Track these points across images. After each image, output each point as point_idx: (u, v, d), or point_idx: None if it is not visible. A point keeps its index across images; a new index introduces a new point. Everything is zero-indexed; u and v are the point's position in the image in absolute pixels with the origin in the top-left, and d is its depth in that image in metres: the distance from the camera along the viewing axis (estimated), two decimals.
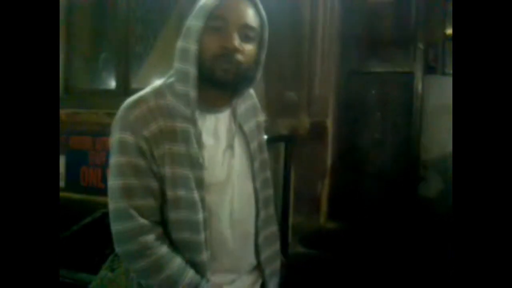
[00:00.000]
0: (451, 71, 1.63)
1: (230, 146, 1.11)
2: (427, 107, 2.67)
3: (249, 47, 1.03)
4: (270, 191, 1.23)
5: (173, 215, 1.03)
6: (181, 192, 1.02)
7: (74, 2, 3.28)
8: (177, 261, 1.02)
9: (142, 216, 1.00)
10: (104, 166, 2.94)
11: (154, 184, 1.02)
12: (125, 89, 3.07)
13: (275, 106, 2.32)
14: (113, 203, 1.01)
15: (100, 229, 2.72)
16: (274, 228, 1.23)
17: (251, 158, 1.16)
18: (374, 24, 2.88)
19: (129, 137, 0.99)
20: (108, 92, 3.20)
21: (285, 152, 2.28)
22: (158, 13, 3.23)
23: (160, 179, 1.02)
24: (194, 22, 1.01)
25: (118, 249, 1.02)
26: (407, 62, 2.73)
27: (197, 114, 1.05)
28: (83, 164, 3.01)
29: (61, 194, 2.99)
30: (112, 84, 3.17)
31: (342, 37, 2.77)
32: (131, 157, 0.99)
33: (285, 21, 2.30)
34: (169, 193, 1.02)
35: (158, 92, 1.04)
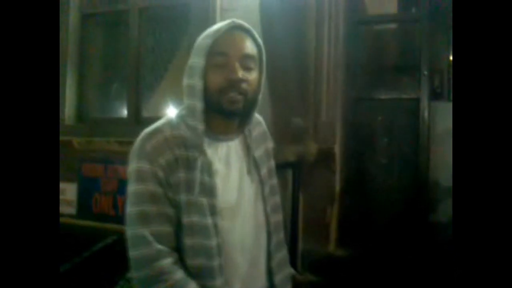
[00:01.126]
0: None
1: (241, 173, 1.17)
2: (433, 133, 2.68)
3: (252, 75, 1.11)
4: (280, 216, 1.27)
5: (188, 241, 1.06)
6: (195, 219, 1.06)
7: (88, 33, 3.38)
8: (192, 286, 1.04)
9: (159, 242, 1.04)
10: (116, 193, 2.98)
11: (170, 210, 1.06)
12: (136, 118, 3.13)
13: (282, 133, 2.35)
14: (131, 230, 1.05)
15: (111, 256, 2.75)
16: (285, 252, 1.27)
17: (261, 184, 1.20)
18: (379, 52, 2.93)
19: (146, 166, 1.05)
20: (120, 120, 3.26)
21: (292, 178, 2.29)
22: (168, 43, 3.33)
23: (176, 205, 1.06)
24: (196, 60, 1.08)
25: (134, 274, 1.05)
26: (412, 88, 2.76)
27: (208, 143, 1.11)
28: (95, 191, 3.04)
29: (73, 221, 3.03)
30: (124, 112, 3.24)
31: (348, 64, 2.82)
32: (148, 185, 1.04)
33: (290, 49, 2.36)
34: (184, 220, 1.06)
35: (173, 123, 1.11)
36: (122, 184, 2.96)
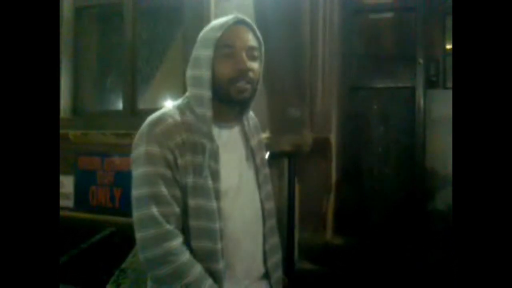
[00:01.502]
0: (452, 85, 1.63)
1: (241, 159, 1.23)
2: (429, 121, 2.68)
3: (256, 65, 1.18)
4: (272, 203, 1.33)
5: (193, 223, 1.10)
6: (201, 201, 1.10)
7: (82, 26, 3.37)
8: (198, 269, 1.08)
9: (168, 222, 1.07)
10: (112, 185, 2.98)
11: (177, 192, 1.10)
12: (132, 110, 3.13)
13: (277, 123, 2.36)
14: (140, 211, 1.08)
15: (108, 248, 2.76)
16: (277, 239, 1.32)
17: (257, 171, 1.27)
18: (375, 40, 2.92)
19: (156, 149, 1.08)
20: (116, 113, 3.26)
21: (288, 168, 2.30)
22: (163, 35, 3.32)
23: (182, 188, 1.10)
24: (203, 52, 1.14)
25: (142, 255, 1.08)
26: (408, 77, 2.76)
27: (214, 130, 1.16)
28: (92, 184, 3.05)
29: (70, 213, 3.04)
30: (120, 105, 3.23)
31: (343, 53, 2.81)
32: (158, 167, 1.07)
33: (285, 39, 2.35)
34: (190, 202, 1.10)
35: (179, 109, 1.16)
36: (118, 176, 2.96)
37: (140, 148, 1.10)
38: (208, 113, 1.13)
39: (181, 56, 2.91)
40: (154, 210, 1.06)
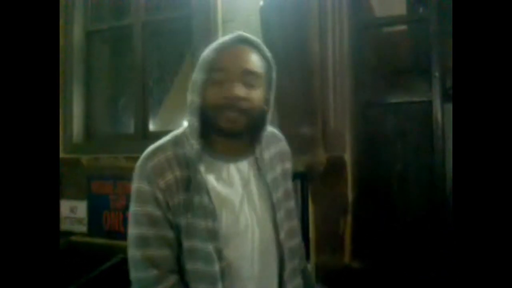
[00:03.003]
0: None
1: (249, 197, 1.11)
2: (448, 135, 2.58)
3: (255, 93, 1.05)
4: (297, 240, 1.22)
5: (189, 265, 1.03)
6: (196, 243, 1.03)
7: (92, 50, 3.39)
8: None
9: (157, 266, 1.01)
10: (125, 210, 2.95)
11: (169, 233, 1.03)
12: (143, 133, 3.12)
13: (289, 143, 2.29)
14: (130, 252, 1.05)
15: (119, 275, 2.71)
16: (299, 280, 1.22)
17: (273, 208, 1.13)
18: (387, 54, 2.85)
19: (145, 187, 1.03)
20: (127, 136, 3.25)
21: (301, 189, 2.23)
22: (173, 56, 3.32)
23: (177, 228, 1.04)
24: (197, 76, 1.06)
25: None
26: (424, 91, 2.67)
27: (209, 163, 1.07)
28: (105, 208, 3.03)
29: (84, 239, 3.02)
30: (131, 128, 3.23)
31: (356, 69, 2.74)
32: (147, 206, 1.02)
33: (294, 57, 2.30)
34: (185, 244, 1.03)
35: (177, 140, 1.09)
36: (130, 201, 2.94)
37: (133, 184, 1.07)
38: (195, 144, 1.04)
39: (191, 77, 2.89)
40: (142, 253, 1.01)
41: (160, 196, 1.02)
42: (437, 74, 2.60)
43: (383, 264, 2.55)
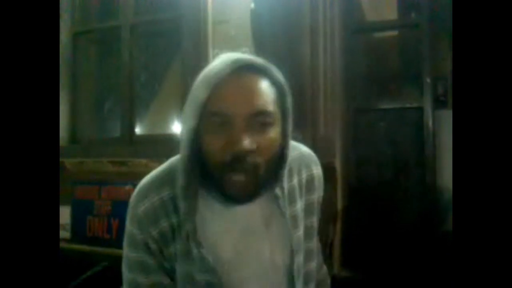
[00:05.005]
0: None
1: (263, 241, 0.91)
2: (439, 142, 2.55)
3: (268, 135, 0.80)
4: (313, 285, 1.03)
5: None
6: None
7: (79, 52, 3.32)
8: None
9: None
10: (110, 216, 2.88)
11: (165, 279, 0.89)
12: (130, 137, 3.05)
13: None
14: None
15: (101, 283, 2.63)
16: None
17: (291, 256, 0.92)
18: (379, 60, 2.83)
19: (137, 233, 0.88)
20: (113, 140, 3.18)
21: None
22: (161, 59, 3.26)
23: (174, 274, 0.90)
24: (187, 120, 0.82)
25: None
26: (415, 97, 2.64)
27: (215, 209, 0.87)
28: (89, 214, 2.95)
29: (67, 245, 2.94)
30: (117, 132, 3.16)
31: (346, 75, 2.71)
32: (139, 253, 0.89)
33: (284, 62, 2.25)
34: None
35: (173, 176, 0.87)
36: (116, 206, 2.86)
37: (126, 222, 0.92)
38: (184, 186, 0.83)
39: (179, 80, 2.84)
40: None
41: (153, 245, 0.87)
42: (428, 80, 2.58)
43: (372, 273, 2.51)
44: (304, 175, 0.99)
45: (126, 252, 0.93)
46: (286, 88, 0.87)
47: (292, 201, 0.94)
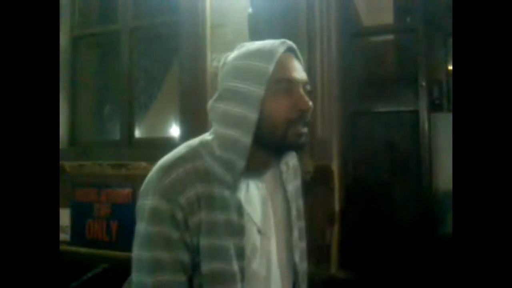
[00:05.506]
0: None
1: (270, 213, 1.03)
2: (434, 145, 2.59)
3: (310, 100, 0.96)
4: (306, 264, 1.14)
5: None
6: (219, 265, 0.93)
7: (79, 55, 3.35)
8: None
9: None
10: (109, 218, 2.90)
11: (185, 257, 0.92)
12: (129, 139, 3.08)
13: None
14: (138, 276, 0.93)
15: (102, 285, 2.65)
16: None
17: (291, 227, 1.06)
18: (375, 63, 2.86)
19: (163, 205, 0.91)
20: (113, 142, 3.20)
21: None
22: (160, 62, 3.29)
23: (194, 250, 0.93)
24: (249, 87, 0.93)
25: None
26: (411, 100, 2.68)
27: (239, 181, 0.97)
28: (89, 216, 2.97)
29: (67, 248, 2.95)
30: (117, 135, 3.18)
31: (343, 78, 2.74)
32: (163, 227, 0.91)
33: None
34: (205, 267, 0.93)
35: (194, 153, 0.96)
36: (115, 209, 2.88)
37: (146, 200, 0.94)
38: (239, 161, 0.93)
39: (178, 83, 2.87)
40: (154, 278, 0.91)
41: (179, 214, 0.90)
42: (423, 83, 2.61)
43: (370, 274, 2.53)
44: (290, 163, 1.13)
45: (146, 229, 0.92)
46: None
47: (289, 180, 1.10)
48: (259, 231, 0.99)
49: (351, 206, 2.65)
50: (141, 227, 0.93)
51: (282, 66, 0.94)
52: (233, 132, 0.93)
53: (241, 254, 0.94)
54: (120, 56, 3.14)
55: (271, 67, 0.92)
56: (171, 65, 3.24)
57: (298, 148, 0.98)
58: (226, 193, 0.94)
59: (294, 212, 1.08)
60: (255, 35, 2.43)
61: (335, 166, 2.49)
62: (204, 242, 0.92)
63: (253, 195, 1.00)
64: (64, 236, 3.01)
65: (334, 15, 2.66)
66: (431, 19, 2.70)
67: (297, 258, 1.07)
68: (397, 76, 2.81)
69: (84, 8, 3.40)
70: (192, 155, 0.96)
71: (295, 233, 1.07)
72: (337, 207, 2.48)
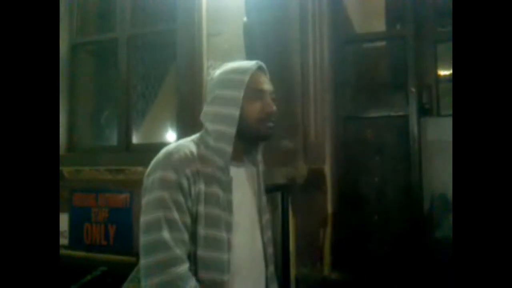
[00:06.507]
0: (447, 112, 1.56)
1: (248, 197, 1.30)
2: (424, 149, 2.65)
3: (275, 106, 1.30)
4: (272, 250, 1.38)
5: (202, 253, 1.12)
6: (212, 231, 1.14)
7: (77, 63, 3.40)
8: None
9: (180, 247, 1.09)
10: (107, 222, 2.94)
11: (188, 220, 1.13)
12: (126, 145, 3.12)
13: (270, 155, 2.32)
14: (150, 235, 1.09)
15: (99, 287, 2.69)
16: (276, 285, 1.38)
17: (260, 213, 1.32)
18: (367, 70, 2.93)
19: (172, 175, 1.12)
20: (110, 148, 3.25)
21: (282, 201, 2.26)
22: (157, 70, 3.35)
23: (192, 216, 1.14)
24: (231, 92, 1.24)
25: (147, 282, 1.07)
26: (401, 105, 2.74)
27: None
28: (87, 221, 3.01)
29: (65, 252, 2.99)
30: (114, 140, 3.23)
31: (336, 84, 2.81)
32: (172, 192, 1.11)
33: (275, 72, 2.34)
34: (201, 231, 1.13)
35: (193, 143, 1.23)
36: (113, 213, 2.92)
37: (155, 174, 1.14)
38: (228, 148, 1.20)
39: (174, 90, 2.93)
40: (166, 234, 1.08)
41: (185, 183, 1.12)
42: (413, 89, 2.68)
43: (362, 275, 2.58)
44: (261, 165, 1.39)
45: (157, 194, 1.11)
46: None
47: (262, 170, 1.37)
48: (240, 209, 1.23)
49: (344, 209, 2.71)
50: (152, 196, 1.12)
51: (254, 79, 1.25)
52: (222, 126, 1.22)
53: (228, 227, 1.17)
54: (118, 64, 3.19)
55: (246, 79, 1.23)
56: (168, 72, 3.30)
57: (267, 138, 1.30)
58: (219, 173, 1.19)
59: (264, 199, 1.35)
60: (249, 43, 2.50)
61: (327, 170, 2.54)
62: (202, 210, 1.14)
63: (240, 181, 1.27)
64: (62, 240, 3.04)
65: (327, 22, 2.73)
66: (421, 26, 2.77)
67: (265, 239, 1.31)
68: (387, 82, 2.88)
69: (83, 16, 3.45)
70: (191, 144, 1.22)
71: (265, 218, 1.33)
72: (329, 209, 2.54)
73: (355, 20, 3.14)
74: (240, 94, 1.23)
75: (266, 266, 1.31)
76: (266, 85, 1.29)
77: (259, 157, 1.37)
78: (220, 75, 1.28)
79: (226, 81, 1.26)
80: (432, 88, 2.69)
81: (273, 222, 2.32)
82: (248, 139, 1.29)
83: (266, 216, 1.36)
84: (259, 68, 1.31)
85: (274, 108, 1.27)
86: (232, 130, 1.21)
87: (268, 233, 1.35)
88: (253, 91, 1.25)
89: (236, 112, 1.22)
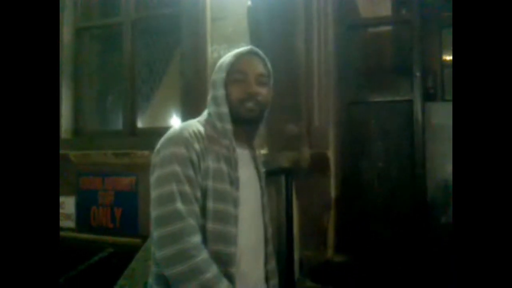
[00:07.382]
0: (451, 97, 1.60)
1: (251, 177, 1.33)
2: (428, 134, 2.65)
3: (264, 90, 1.29)
4: (271, 231, 1.40)
5: (211, 226, 1.16)
6: (221, 206, 1.18)
7: (82, 47, 3.41)
8: (215, 268, 1.11)
9: (194, 219, 1.13)
10: (113, 205, 2.98)
11: (198, 194, 1.16)
12: (132, 129, 3.14)
13: (275, 140, 2.34)
14: (164, 207, 1.12)
15: (107, 269, 2.74)
16: (275, 264, 1.41)
17: (262, 193, 1.36)
18: (371, 54, 2.91)
19: (183, 151, 1.16)
20: (116, 132, 3.27)
21: (286, 185, 2.28)
22: (162, 54, 3.35)
23: (201, 190, 1.17)
24: (218, 75, 1.29)
25: (161, 253, 1.10)
26: (406, 90, 2.74)
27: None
28: (93, 204, 3.05)
29: (73, 234, 3.03)
30: (119, 124, 3.25)
31: (340, 68, 2.80)
32: (184, 167, 1.15)
33: (280, 56, 2.35)
34: (209, 205, 1.17)
35: (200, 123, 1.27)
36: (119, 196, 2.96)
37: (166, 150, 1.18)
38: (228, 126, 1.25)
39: (179, 74, 2.93)
40: (180, 206, 1.11)
41: (195, 158, 1.16)
42: (418, 74, 2.67)
43: (365, 258, 2.62)
44: (257, 151, 1.40)
45: (169, 169, 1.14)
46: (271, 71, 1.33)
47: (260, 162, 1.38)
48: (246, 187, 1.26)
49: (347, 193, 2.73)
50: (164, 170, 1.15)
51: (241, 62, 1.28)
52: (217, 108, 1.28)
53: (236, 202, 1.21)
54: (122, 48, 3.19)
55: (232, 61, 1.27)
56: (172, 56, 3.30)
57: (250, 119, 1.29)
58: (226, 152, 1.23)
59: (263, 184, 1.37)
60: (254, 27, 2.49)
61: (331, 154, 2.56)
62: (211, 184, 1.18)
63: (244, 161, 1.29)
64: (70, 223, 3.09)
65: (332, 6, 2.72)
66: (426, 11, 2.76)
67: (266, 218, 1.36)
68: (392, 67, 2.87)
69: (87, 0, 3.44)
70: (198, 124, 1.26)
71: (264, 200, 1.36)
72: (333, 193, 2.56)
73: (360, 4, 3.12)
74: (223, 75, 1.27)
75: (266, 244, 1.35)
76: (253, 67, 1.29)
77: (255, 142, 1.39)
78: (218, 62, 1.34)
79: (219, 65, 1.31)
80: (436, 73, 2.69)
81: (277, 205, 2.36)
82: (236, 121, 1.29)
83: (266, 197, 1.40)
84: (251, 52, 1.32)
85: (254, 88, 1.26)
86: (224, 110, 1.26)
87: (268, 213, 1.38)
88: (237, 73, 1.27)
89: (221, 92, 1.27)
